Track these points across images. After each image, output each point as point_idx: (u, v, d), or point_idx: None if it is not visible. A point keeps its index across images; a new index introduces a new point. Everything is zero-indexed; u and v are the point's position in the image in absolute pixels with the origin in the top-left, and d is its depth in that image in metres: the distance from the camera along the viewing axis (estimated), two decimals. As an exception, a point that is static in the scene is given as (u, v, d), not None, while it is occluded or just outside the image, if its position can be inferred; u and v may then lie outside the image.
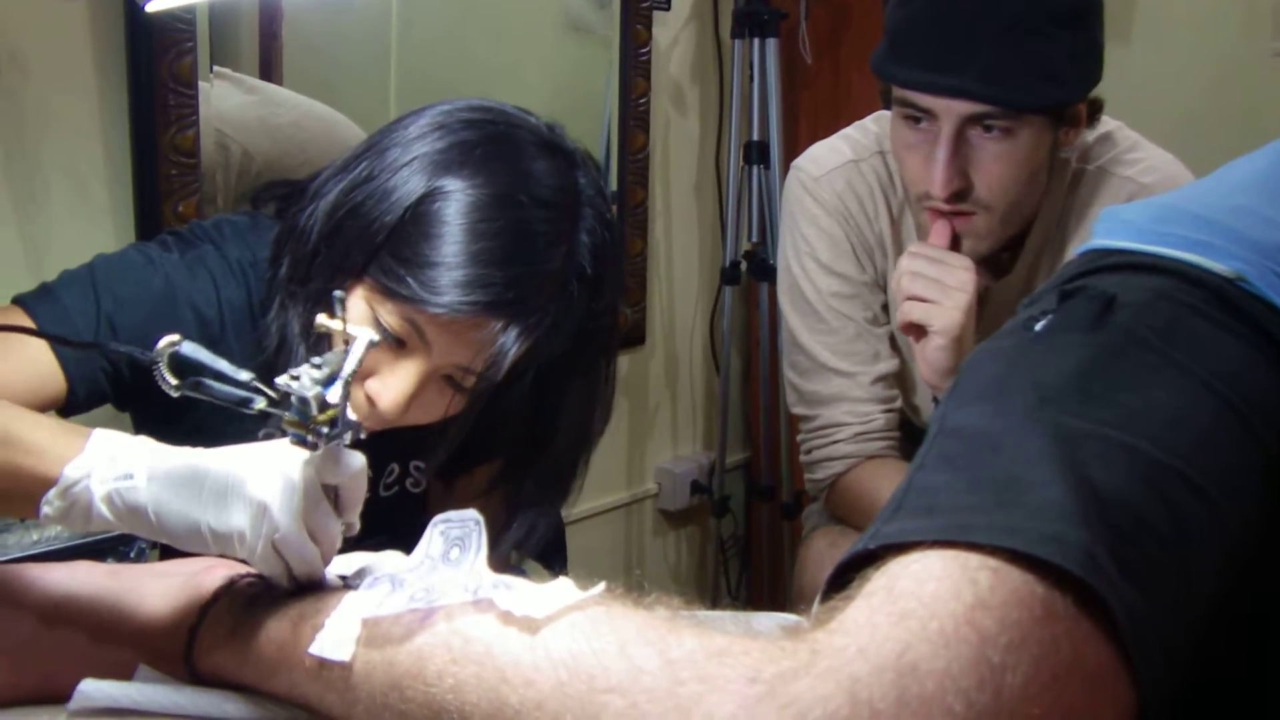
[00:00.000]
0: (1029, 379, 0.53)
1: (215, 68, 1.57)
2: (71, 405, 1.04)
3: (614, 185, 2.22)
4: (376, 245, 0.98)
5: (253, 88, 1.68)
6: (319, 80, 1.76)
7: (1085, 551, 0.45)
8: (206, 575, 0.79)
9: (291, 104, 1.72)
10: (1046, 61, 1.27)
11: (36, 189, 1.47)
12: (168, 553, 0.80)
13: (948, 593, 0.46)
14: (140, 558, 1.18)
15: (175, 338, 0.71)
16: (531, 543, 1.15)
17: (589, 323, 1.06)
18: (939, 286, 1.33)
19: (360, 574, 0.76)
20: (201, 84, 1.53)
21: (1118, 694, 0.45)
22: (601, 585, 0.62)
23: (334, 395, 0.70)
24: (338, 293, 0.74)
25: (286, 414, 0.69)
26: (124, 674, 0.76)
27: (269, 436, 0.72)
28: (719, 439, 2.49)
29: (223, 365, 0.71)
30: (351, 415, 0.73)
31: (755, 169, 2.30)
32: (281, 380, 0.69)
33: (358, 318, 0.99)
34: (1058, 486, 0.47)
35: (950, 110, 1.29)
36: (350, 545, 0.79)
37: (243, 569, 0.78)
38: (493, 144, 1.02)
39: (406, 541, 0.75)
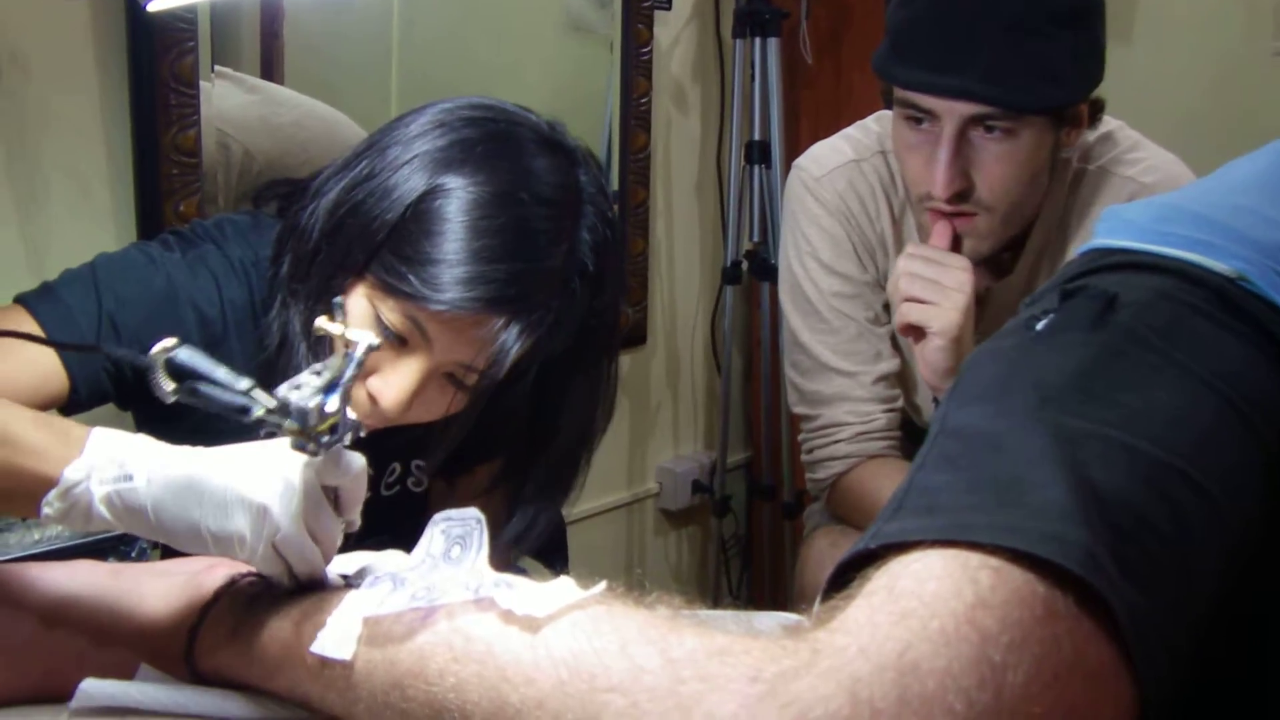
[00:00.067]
0: (1030, 379, 0.53)
1: (216, 67, 1.58)
2: (74, 404, 1.04)
3: (615, 185, 2.22)
4: (378, 243, 0.99)
5: (254, 87, 1.68)
6: (320, 80, 1.76)
7: (1086, 551, 0.45)
8: (208, 574, 0.79)
9: (293, 103, 1.72)
10: (1048, 62, 1.27)
11: (38, 188, 1.47)
12: (169, 552, 0.80)
13: (949, 592, 0.46)
14: (142, 557, 1.18)
15: (171, 342, 0.70)
16: (531, 537, 1.15)
17: (590, 320, 1.06)
18: (937, 287, 1.33)
19: (362, 573, 0.76)
20: (203, 84, 1.54)
21: (1119, 693, 0.45)
22: (603, 584, 0.62)
23: (335, 403, 0.70)
24: (338, 299, 0.74)
25: (287, 423, 0.69)
26: (125, 673, 0.76)
27: (271, 435, 0.72)
28: (720, 438, 2.49)
29: (219, 373, 0.71)
30: (352, 414, 0.73)
31: (756, 168, 2.30)
32: (282, 390, 0.69)
33: (359, 315, 0.99)
34: (1059, 486, 0.47)
35: (952, 111, 1.29)
36: (352, 544, 0.79)
37: (244, 568, 0.78)
38: (494, 141, 1.02)
39: (408, 541, 0.75)
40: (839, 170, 1.52)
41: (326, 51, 1.82)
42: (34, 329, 1.01)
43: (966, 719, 0.43)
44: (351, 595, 0.70)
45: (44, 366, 1.01)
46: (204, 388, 0.70)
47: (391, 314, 0.98)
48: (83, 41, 1.49)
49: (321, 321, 0.74)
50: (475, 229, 0.97)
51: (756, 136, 2.29)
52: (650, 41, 2.22)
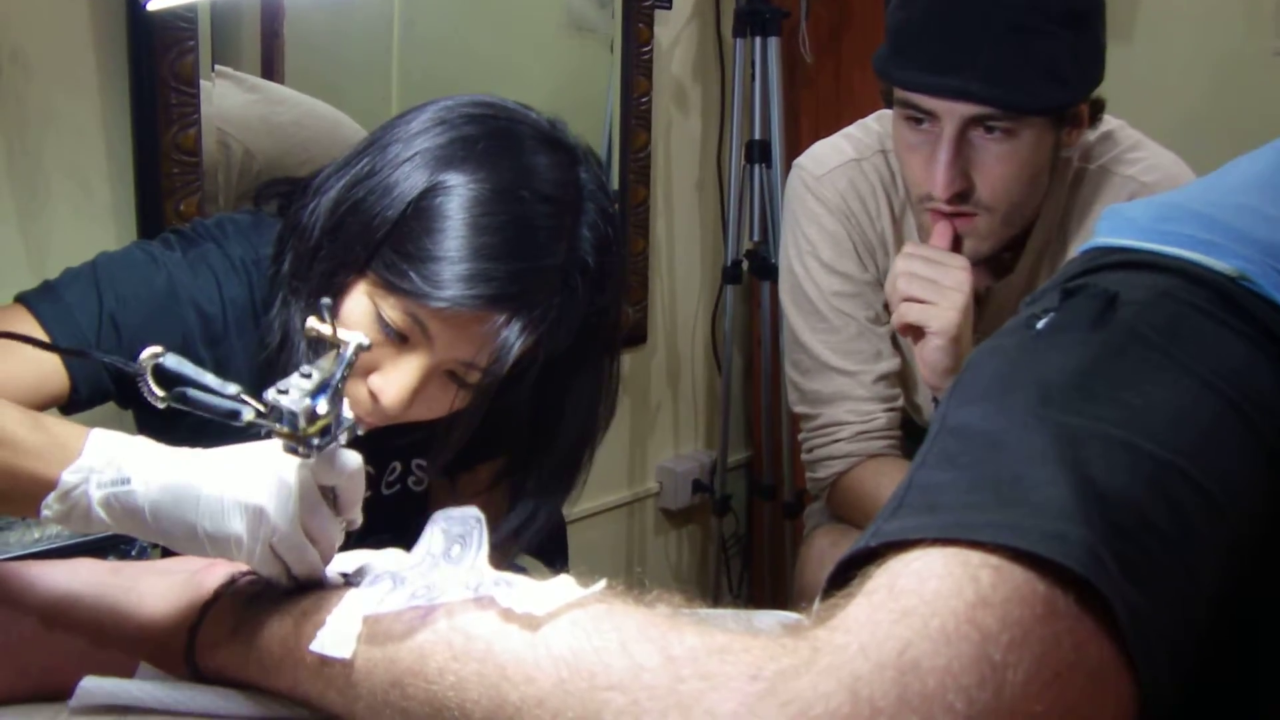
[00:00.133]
0: (1031, 377, 0.53)
1: (217, 66, 1.57)
2: (74, 403, 1.04)
3: (616, 184, 2.22)
4: (379, 240, 0.99)
5: (254, 86, 1.68)
6: (321, 79, 1.76)
7: (1087, 550, 0.45)
8: (208, 573, 0.79)
9: (293, 103, 1.72)
10: (1048, 62, 1.27)
11: (38, 188, 1.47)
12: (169, 551, 0.80)
13: (949, 590, 0.46)
14: (142, 555, 1.18)
15: (158, 349, 0.70)
16: (530, 531, 1.15)
17: (592, 318, 1.06)
18: (935, 287, 1.33)
19: (361, 571, 0.76)
20: (203, 83, 1.53)
21: (1119, 692, 0.45)
22: (602, 583, 0.62)
23: (325, 405, 0.69)
24: (325, 300, 0.74)
25: (277, 427, 0.69)
26: (125, 671, 0.76)
27: (270, 435, 0.72)
28: (720, 438, 2.49)
29: (208, 379, 0.71)
30: (348, 413, 0.73)
31: (757, 168, 2.30)
32: (270, 394, 0.69)
33: (360, 313, 0.99)
34: (1059, 485, 0.47)
35: (952, 111, 1.29)
36: (352, 543, 0.79)
37: (244, 566, 0.78)
38: (494, 139, 1.02)
39: (409, 540, 0.75)
40: (840, 169, 1.52)
41: (327, 51, 1.82)
42: (35, 328, 1.01)
43: (967, 717, 0.43)
44: (351, 594, 0.70)
45: (44, 366, 1.00)
46: (193, 393, 0.70)
47: (393, 311, 0.98)
48: (83, 41, 1.49)
49: (312, 322, 0.74)
50: (476, 226, 0.97)
51: (757, 136, 2.29)
52: (651, 41, 2.22)
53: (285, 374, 0.73)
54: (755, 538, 2.68)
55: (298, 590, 0.74)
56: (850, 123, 1.59)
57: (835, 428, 1.52)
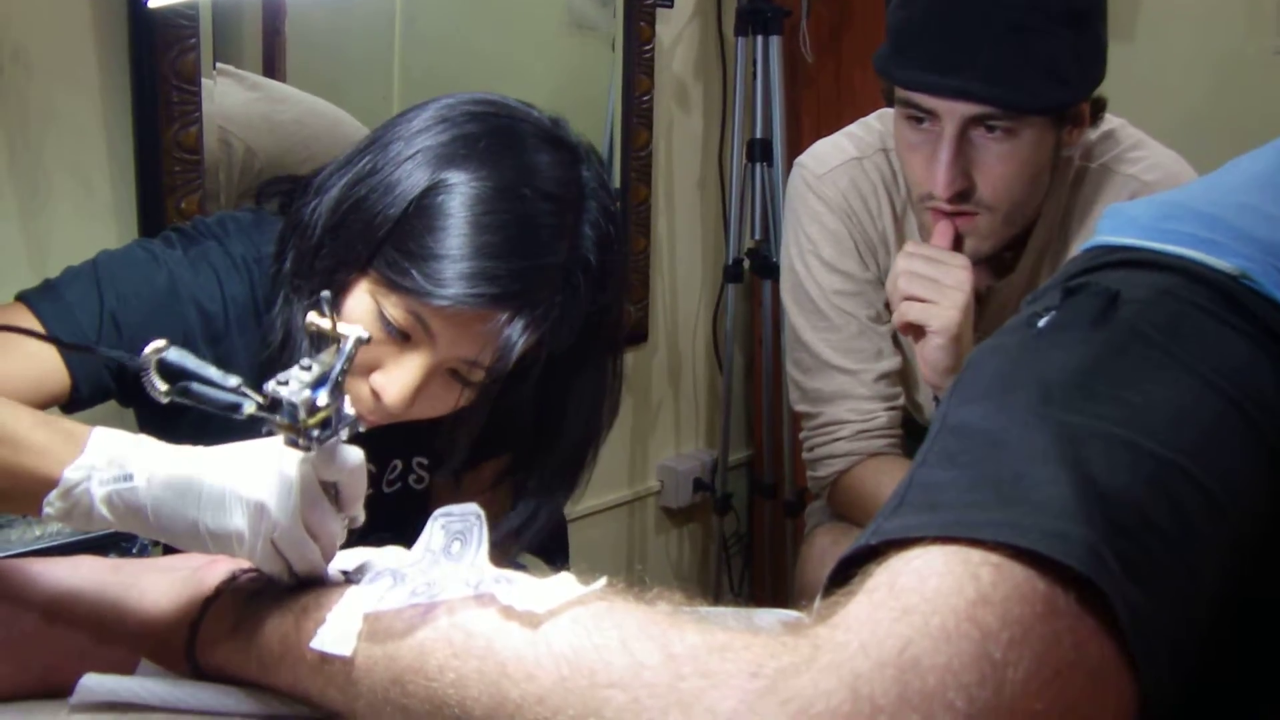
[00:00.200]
0: (1032, 376, 0.53)
1: (218, 64, 1.57)
2: (75, 402, 1.04)
3: (617, 183, 2.22)
4: (380, 238, 0.99)
5: (255, 84, 1.68)
6: (322, 77, 1.76)
7: (1087, 548, 0.45)
8: (209, 570, 0.79)
9: (294, 100, 1.72)
10: (1049, 61, 1.27)
11: (40, 186, 1.47)
12: (170, 548, 0.80)
13: (950, 588, 0.46)
14: (143, 553, 1.18)
15: (161, 343, 0.70)
16: (532, 529, 1.15)
17: (593, 316, 1.06)
18: (936, 286, 1.33)
19: (362, 569, 0.75)
20: (204, 81, 1.53)
21: (1120, 690, 0.45)
22: (603, 580, 0.62)
23: (325, 397, 0.69)
24: (324, 293, 0.74)
25: (277, 418, 0.69)
26: (126, 668, 0.76)
27: (272, 432, 0.72)
28: (721, 436, 2.49)
29: (210, 371, 0.71)
30: (350, 410, 0.73)
31: (758, 166, 2.30)
32: (269, 385, 0.69)
33: (362, 311, 0.99)
34: (1060, 484, 0.47)
35: (953, 111, 1.29)
36: (353, 541, 0.79)
37: (245, 564, 0.78)
38: (496, 137, 1.02)
39: (410, 538, 0.74)
40: (841, 168, 1.52)
41: (328, 49, 1.82)
42: (35, 327, 1.01)
43: (967, 715, 0.43)
44: (352, 591, 0.70)
45: (45, 364, 1.00)
46: (196, 387, 0.70)
47: (395, 309, 0.98)
48: (84, 39, 1.49)
49: (312, 317, 0.74)
50: (478, 224, 0.97)
51: (758, 134, 2.29)
52: (652, 39, 2.22)
53: (287, 372, 0.73)
54: (756, 536, 2.68)
55: (298, 587, 0.74)
56: (851, 121, 1.59)
57: (836, 426, 1.52)
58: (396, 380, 1.00)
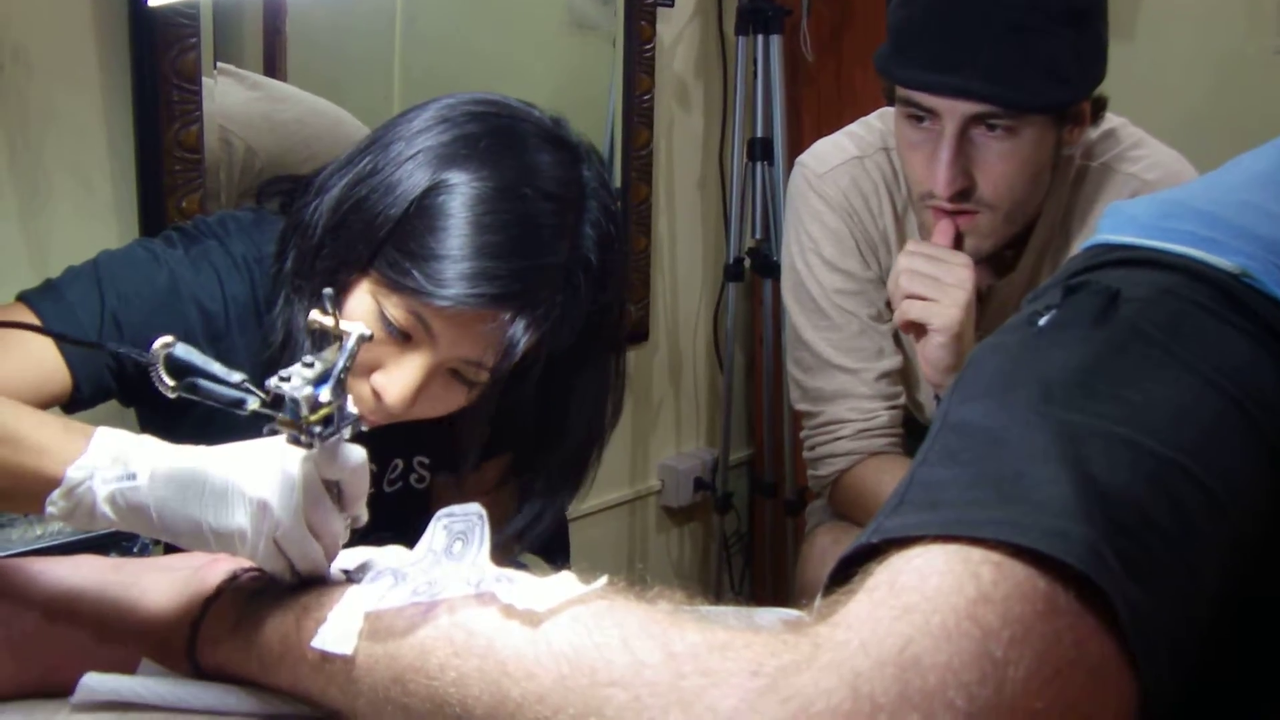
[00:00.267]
0: (1033, 374, 0.53)
1: (219, 64, 1.57)
2: (76, 402, 1.04)
3: (618, 182, 2.21)
4: (381, 239, 0.99)
5: (256, 84, 1.68)
6: (323, 76, 1.76)
7: (1088, 546, 0.45)
8: (209, 569, 0.79)
9: (295, 100, 1.72)
10: (1050, 60, 1.27)
11: (40, 185, 1.47)
12: (171, 547, 0.80)
13: (950, 587, 0.46)
14: (144, 552, 1.18)
15: (169, 339, 0.71)
16: (537, 532, 1.15)
17: (594, 316, 1.06)
18: (937, 284, 1.33)
19: (363, 568, 0.75)
20: (205, 80, 1.53)
21: (1120, 689, 0.45)
22: (604, 579, 0.62)
23: (327, 394, 0.70)
24: (328, 290, 0.74)
25: (279, 415, 0.69)
26: (127, 668, 0.76)
27: (273, 433, 0.72)
28: (722, 435, 2.49)
29: (215, 367, 0.71)
30: (352, 409, 0.73)
31: (759, 165, 2.30)
32: (272, 381, 0.69)
33: (363, 311, 0.99)
34: (1061, 483, 0.47)
35: (953, 110, 1.29)
36: (354, 540, 0.79)
37: (246, 563, 0.78)
38: (497, 137, 1.02)
39: (411, 538, 0.75)
40: (842, 167, 1.52)
41: (329, 48, 1.82)
42: (37, 327, 1.01)
43: (968, 714, 0.43)
44: (353, 590, 0.70)
45: (46, 364, 1.01)
46: (202, 383, 0.70)
47: (396, 310, 0.98)
48: (85, 38, 1.49)
49: (315, 314, 0.74)
50: (479, 224, 0.97)
51: (759, 133, 2.29)
52: (653, 38, 2.22)
53: (288, 372, 0.73)
54: (757, 535, 2.68)
55: (299, 586, 0.74)
56: (852, 120, 1.59)
57: (837, 425, 1.52)
58: (397, 380, 1.00)
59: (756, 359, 2.57)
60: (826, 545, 1.57)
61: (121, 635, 0.78)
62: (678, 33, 2.36)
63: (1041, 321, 0.56)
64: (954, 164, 1.31)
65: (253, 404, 0.69)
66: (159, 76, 1.50)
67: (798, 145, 1.95)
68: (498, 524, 0.72)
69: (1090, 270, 0.57)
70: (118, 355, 1.03)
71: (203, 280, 1.08)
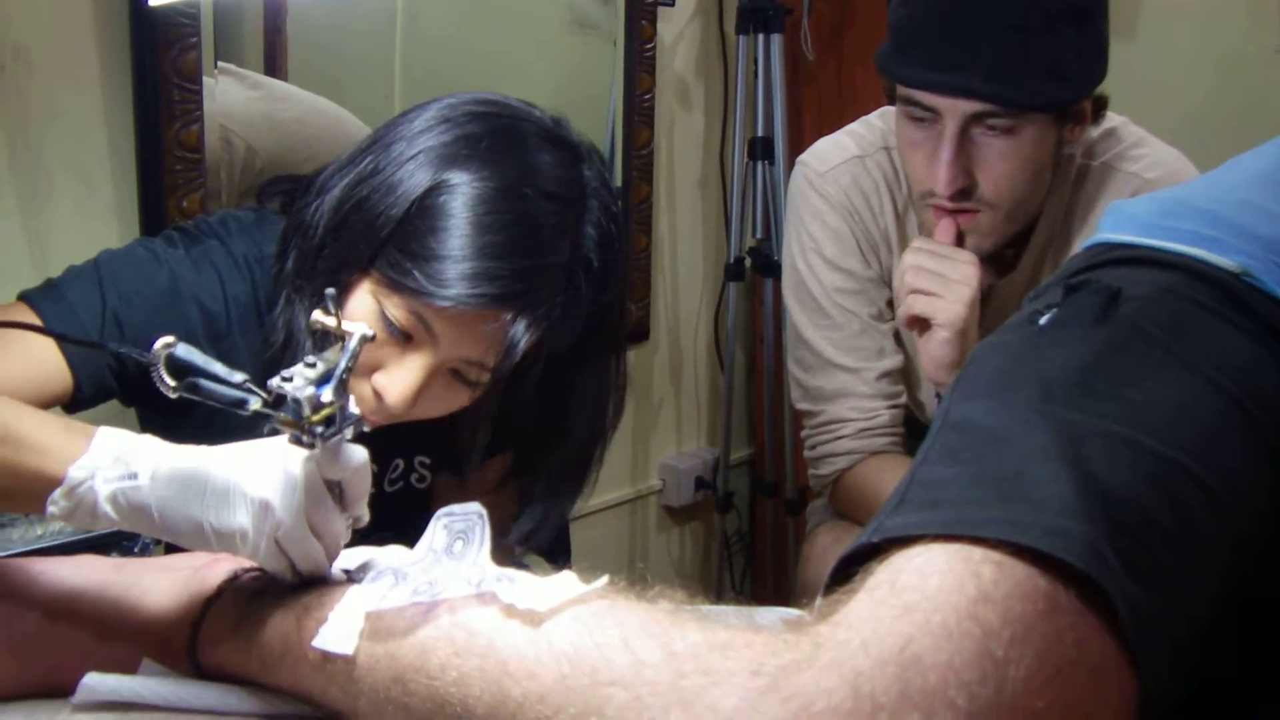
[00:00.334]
0: (1033, 373, 0.53)
1: (219, 63, 1.57)
2: (77, 402, 1.04)
3: (618, 181, 2.21)
4: (382, 239, 0.99)
5: (257, 83, 1.68)
6: (324, 76, 1.76)
7: (1089, 546, 0.45)
8: (210, 569, 0.79)
9: (296, 99, 1.72)
10: (1051, 59, 1.27)
11: (41, 185, 1.47)
12: (172, 547, 0.80)
13: (951, 586, 0.46)
14: (145, 552, 1.18)
15: (170, 339, 0.71)
16: (541, 534, 1.15)
17: (595, 315, 1.06)
18: (942, 280, 1.33)
19: (364, 568, 0.76)
20: (206, 79, 1.53)
21: (1121, 688, 0.45)
22: (605, 579, 0.62)
23: (329, 394, 0.70)
24: (330, 290, 0.74)
25: (281, 415, 0.69)
26: (128, 667, 0.76)
27: (274, 433, 0.72)
28: (723, 435, 2.49)
29: (216, 367, 0.71)
30: (354, 409, 0.73)
31: (760, 164, 2.30)
32: (274, 381, 0.69)
33: (364, 312, 0.99)
34: (1061, 482, 0.47)
35: (954, 109, 1.29)
36: (355, 540, 0.79)
37: (246, 562, 0.78)
38: (498, 137, 1.02)
39: (411, 537, 0.75)
40: (843, 166, 1.52)
41: (330, 47, 1.82)
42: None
43: (968, 713, 0.43)
44: (353, 590, 0.70)
45: (47, 364, 1.01)
46: (203, 383, 0.70)
47: (397, 310, 0.98)
48: (85, 37, 1.49)
49: (317, 315, 0.74)
50: (480, 225, 0.97)
51: (760, 132, 2.29)
52: (653, 38, 2.22)
53: (290, 372, 0.73)
54: (758, 535, 2.68)
55: (300, 586, 0.74)
56: (853, 119, 1.59)
57: (838, 424, 1.52)
58: (398, 381, 1.00)
59: (757, 358, 2.57)
60: (827, 544, 1.57)
61: (122, 635, 0.78)
62: (678, 32, 2.36)
63: (1042, 320, 0.56)
64: (955, 163, 1.31)
65: (254, 404, 0.69)
66: (160, 76, 1.50)
67: (798, 144, 1.95)
68: (499, 523, 0.72)
69: (1091, 269, 0.57)
70: (119, 355, 1.03)
71: (204, 280, 1.08)
